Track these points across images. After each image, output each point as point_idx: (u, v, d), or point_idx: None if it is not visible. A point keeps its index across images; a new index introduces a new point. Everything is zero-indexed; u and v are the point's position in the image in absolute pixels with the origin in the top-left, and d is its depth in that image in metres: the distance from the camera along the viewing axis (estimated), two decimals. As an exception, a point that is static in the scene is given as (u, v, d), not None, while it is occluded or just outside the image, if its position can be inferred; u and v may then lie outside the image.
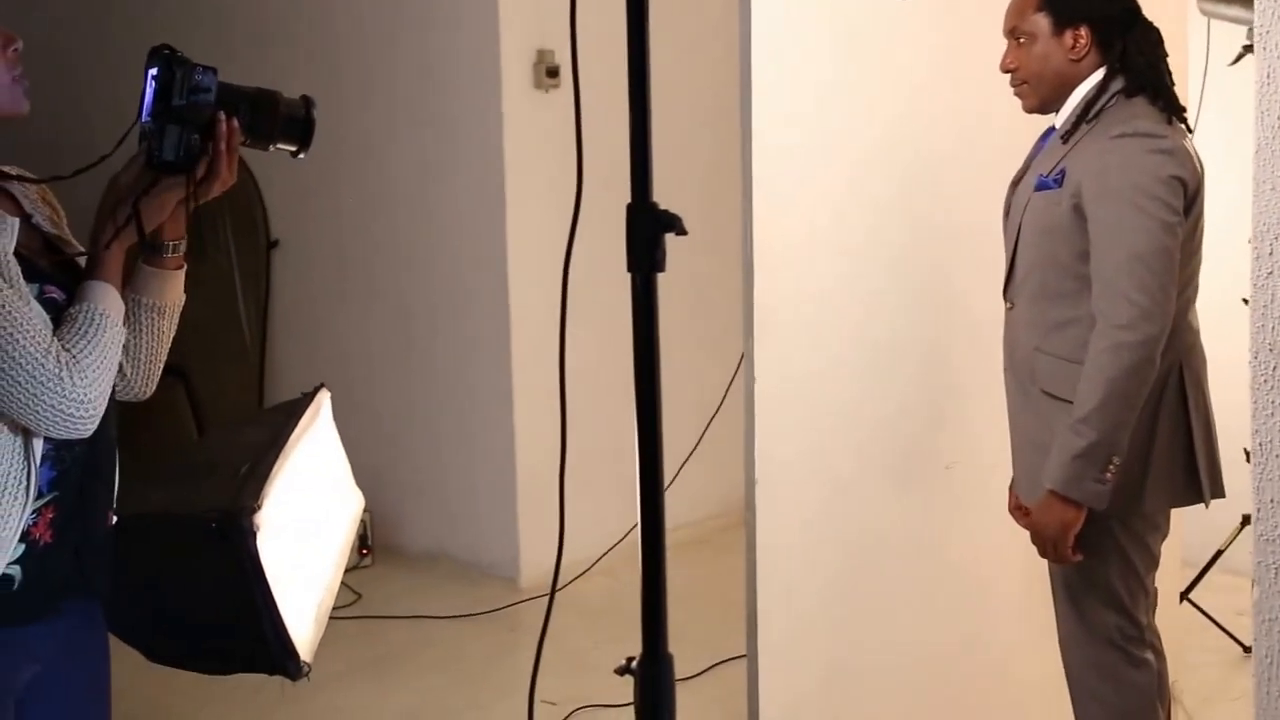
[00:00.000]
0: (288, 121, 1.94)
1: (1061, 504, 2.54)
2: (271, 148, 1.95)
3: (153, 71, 1.83)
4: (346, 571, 5.16)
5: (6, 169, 1.96)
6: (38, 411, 1.73)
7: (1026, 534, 2.67)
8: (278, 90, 1.94)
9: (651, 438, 1.53)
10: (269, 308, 6.05)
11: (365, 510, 5.30)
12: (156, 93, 1.82)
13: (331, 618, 4.81)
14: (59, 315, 1.81)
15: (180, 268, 2.00)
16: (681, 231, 1.47)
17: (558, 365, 1.64)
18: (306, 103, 1.95)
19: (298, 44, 5.75)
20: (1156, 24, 2.66)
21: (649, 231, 1.48)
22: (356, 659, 4.48)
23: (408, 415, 5.61)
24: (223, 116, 1.87)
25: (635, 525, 5.12)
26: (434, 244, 5.41)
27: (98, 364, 1.79)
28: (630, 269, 1.51)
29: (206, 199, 1.91)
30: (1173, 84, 2.64)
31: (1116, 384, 2.47)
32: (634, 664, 1.65)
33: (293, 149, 1.96)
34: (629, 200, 1.52)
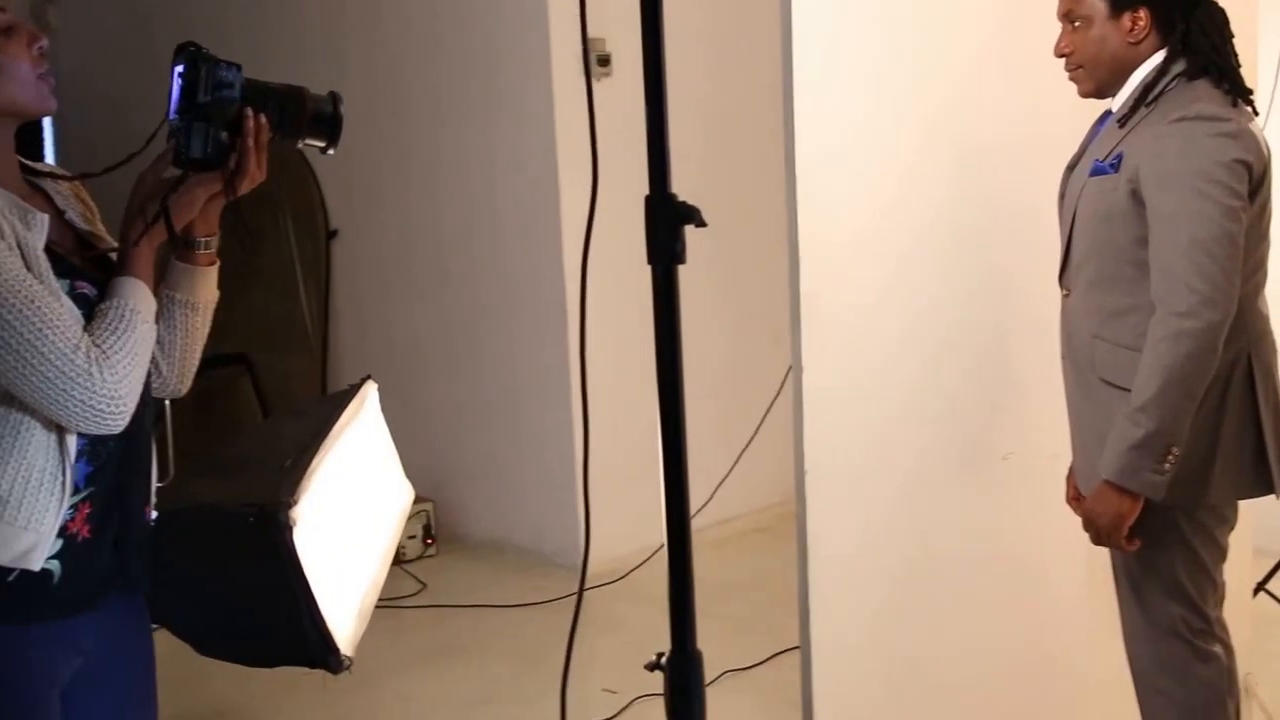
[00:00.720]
0: (315, 118, 1.94)
1: (1117, 494, 2.49)
2: (300, 144, 1.95)
3: (179, 69, 1.83)
4: (411, 561, 5.26)
5: (38, 165, 1.97)
6: (68, 407, 1.74)
7: (1087, 524, 2.62)
8: (304, 87, 1.94)
9: (675, 431, 1.50)
10: (329, 297, 6.10)
11: (428, 500, 5.38)
12: (182, 90, 1.82)
13: (397, 607, 4.89)
14: (90, 311, 1.82)
15: (212, 264, 2.00)
16: (701, 223, 1.44)
17: (579, 360, 1.61)
18: (334, 99, 1.95)
19: (352, 38, 5.79)
20: (1223, 3, 2.58)
21: (668, 223, 1.46)
22: (422, 647, 4.53)
23: (469, 404, 5.64)
24: (250, 113, 1.87)
25: (696, 512, 5.06)
26: (491, 232, 5.43)
27: (128, 360, 1.79)
28: (650, 261, 1.49)
29: (236, 196, 1.92)
30: (1239, 65, 2.57)
31: (1175, 372, 2.41)
32: (663, 660, 1.62)
33: (321, 145, 1.95)
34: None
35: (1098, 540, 2.58)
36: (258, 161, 1.89)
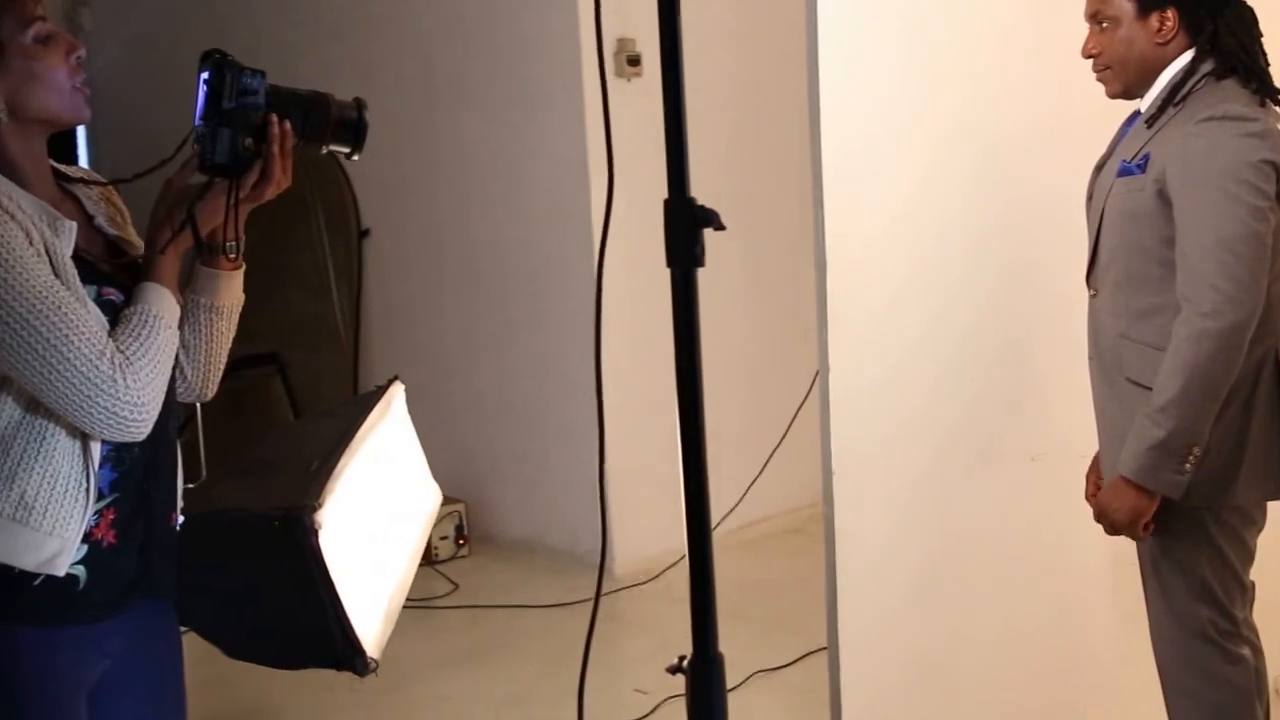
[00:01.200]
0: (339, 124, 1.94)
1: (1135, 492, 2.49)
2: (324, 150, 1.96)
3: (204, 76, 1.85)
4: (443, 562, 5.28)
5: (70, 170, 1.99)
6: (91, 414, 1.75)
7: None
8: (329, 93, 1.95)
9: (694, 433, 1.50)
10: (361, 297, 6.13)
11: (460, 501, 5.39)
12: (207, 96, 1.84)
13: (430, 607, 4.89)
14: (117, 317, 1.83)
15: (238, 268, 2.01)
16: (719, 226, 1.44)
17: (595, 362, 1.61)
18: (358, 105, 1.96)
19: (380, 38, 5.81)
20: (1252, 3, 2.56)
21: (686, 226, 1.46)
22: (456, 648, 4.54)
23: (501, 403, 5.65)
24: (274, 119, 1.88)
25: (729, 512, 5.08)
26: (523, 233, 5.44)
27: (151, 366, 1.80)
28: (669, 264, 1.49)
29: (260, 202, 1.92)
30: (1267, 65, 2.55)
31: (1198, 372, 2.39)
32: (685, 663, 1.63)
33: (346, 150, 1.96)
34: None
35: (1112, 532, 2.58)
36: (282, 167, 1.90)
